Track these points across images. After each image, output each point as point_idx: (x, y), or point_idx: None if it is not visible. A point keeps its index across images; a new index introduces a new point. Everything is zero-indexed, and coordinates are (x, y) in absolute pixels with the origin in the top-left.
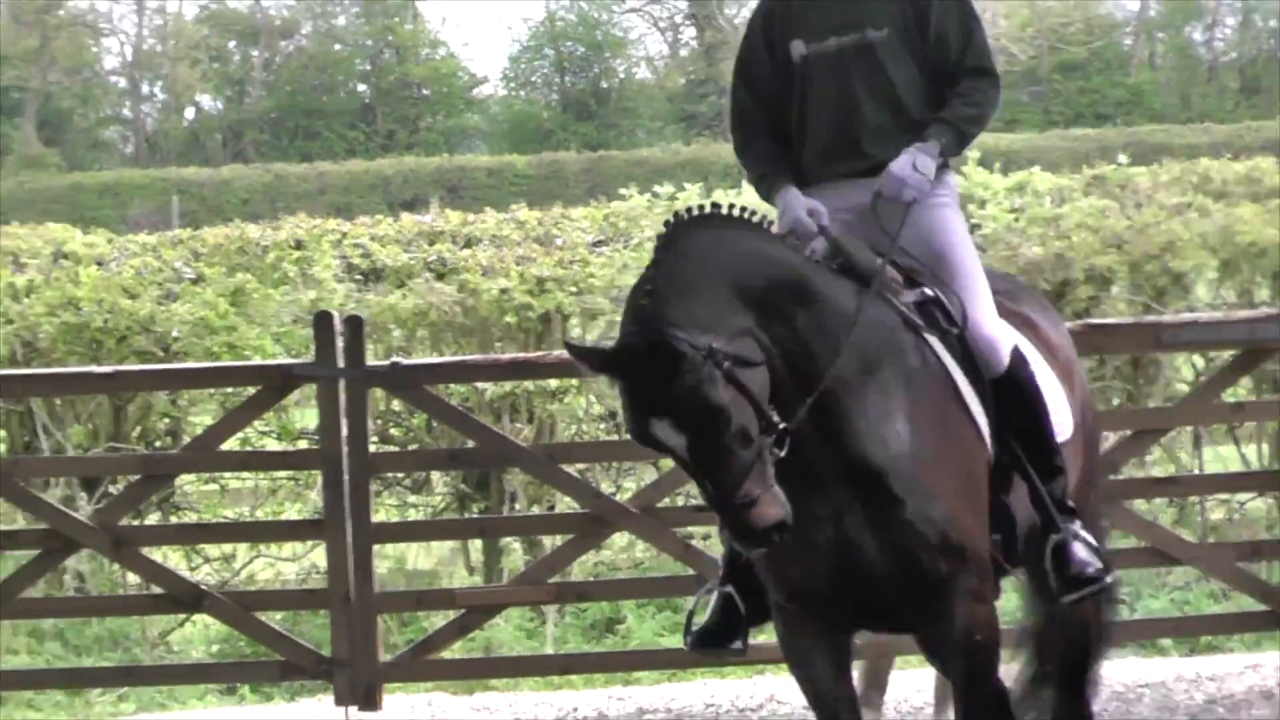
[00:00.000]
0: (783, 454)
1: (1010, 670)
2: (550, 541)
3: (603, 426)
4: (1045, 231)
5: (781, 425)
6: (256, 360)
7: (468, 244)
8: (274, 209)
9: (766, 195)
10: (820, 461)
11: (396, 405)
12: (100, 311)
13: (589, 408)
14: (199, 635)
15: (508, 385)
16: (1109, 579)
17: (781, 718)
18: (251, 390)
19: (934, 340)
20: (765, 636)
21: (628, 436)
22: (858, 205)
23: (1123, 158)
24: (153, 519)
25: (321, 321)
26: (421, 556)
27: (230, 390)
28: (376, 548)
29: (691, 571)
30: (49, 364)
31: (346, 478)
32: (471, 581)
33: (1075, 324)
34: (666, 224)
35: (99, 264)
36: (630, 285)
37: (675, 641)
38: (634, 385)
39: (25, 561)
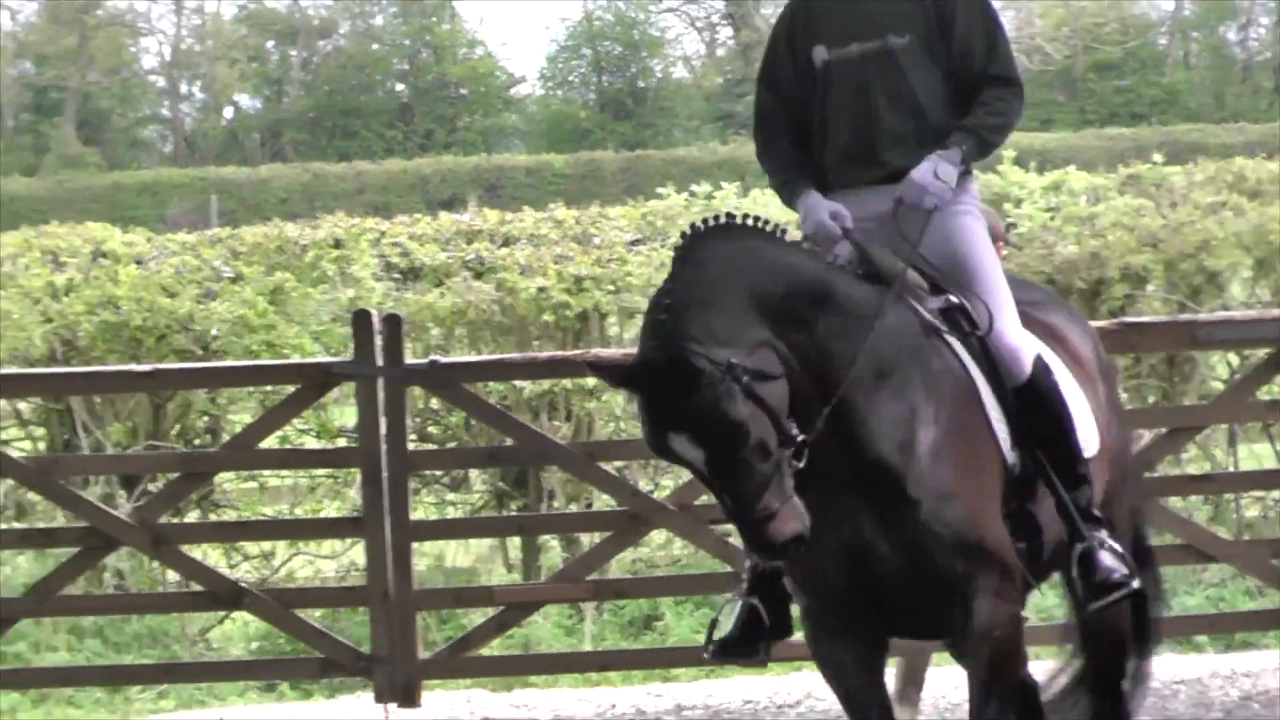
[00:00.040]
0: (801, 466)
1: (1047, 667)
2: (588, 539)
3: None
4: (1081, 230)
5: (800, 438)
6: (295, 359)
7: (506, 243)
8: (312, 208)
9: (789, 200)
10: (838, 463)
11: (435, 403)
12: (139, 310)
13: (627, 405)
14: (238, 632)
15: (546, 383)
16: (1135, 584)
17: (819, 714)
18: (290, 388)
19: (956, 345)
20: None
21: None
22: (878, 213)
23: (1157, 157)
24: (192, 517)
25: (360, 320)
26: (460, 554)
27: (269, 388)
28: (415, 545)
29: (729, 569)
30: (88, 362)
31: (385, 475)
32: (510, 579)
33: (1110, 322)
34: (683, 235)
35: (138, 263)
36: None
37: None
38: (653, 400)
39: (65, 559)
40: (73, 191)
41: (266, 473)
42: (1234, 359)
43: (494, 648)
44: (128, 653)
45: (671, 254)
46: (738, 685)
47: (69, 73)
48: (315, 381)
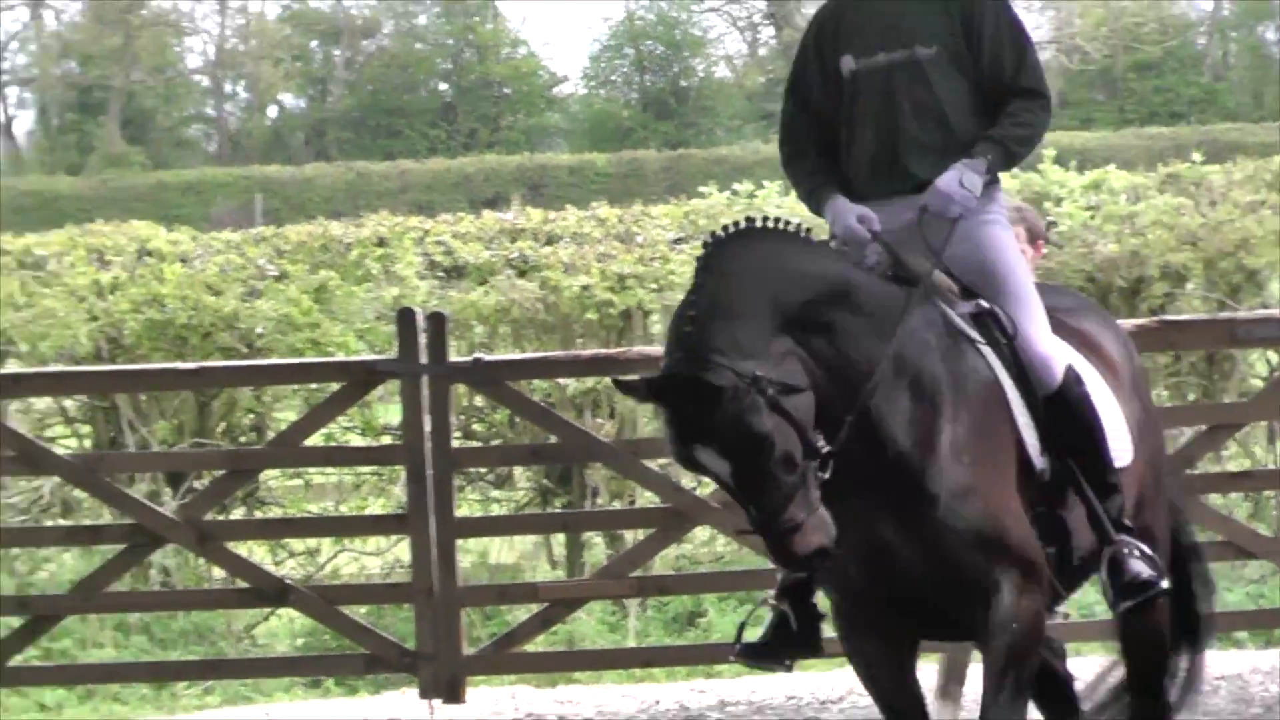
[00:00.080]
0: (827, 476)
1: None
2: (631, 536)
3: None
4: (1121, 229)
5: (826, 449)
6: (340, 356)
7: (549, 241)
8: (356, 207)
9: (816, 209)
10: (858, 462)
11: (479, 401)
12: (185, 308)
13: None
14: (283, 629)
15: (589, 381)
16: (1164, 584)
17: (862, 709)
18: (335, 386)
19: (985, 349)
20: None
21: None
22: (904, 223)
23: (1197, 156)
24: (237, 514)
25: (404, 318)
26: (504, 551)
27: (314, 386)
28: (459, 542)
29: (772, 565)
30: (134, 360)
31: (430, 473)
32: (554, 575)
33: (1150, 320)
34: (705, 244)
35: (183, 261)
36: None
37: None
38: (678, 414)
39: (111, 556)
40: (117, 190)
41: (311, 470)
42: (1273, 356)
43: (538, 644)
44: (173, 649)
45: (695, 262)
46: (781, 681)
47: (114, 72)
48: (360, 379)
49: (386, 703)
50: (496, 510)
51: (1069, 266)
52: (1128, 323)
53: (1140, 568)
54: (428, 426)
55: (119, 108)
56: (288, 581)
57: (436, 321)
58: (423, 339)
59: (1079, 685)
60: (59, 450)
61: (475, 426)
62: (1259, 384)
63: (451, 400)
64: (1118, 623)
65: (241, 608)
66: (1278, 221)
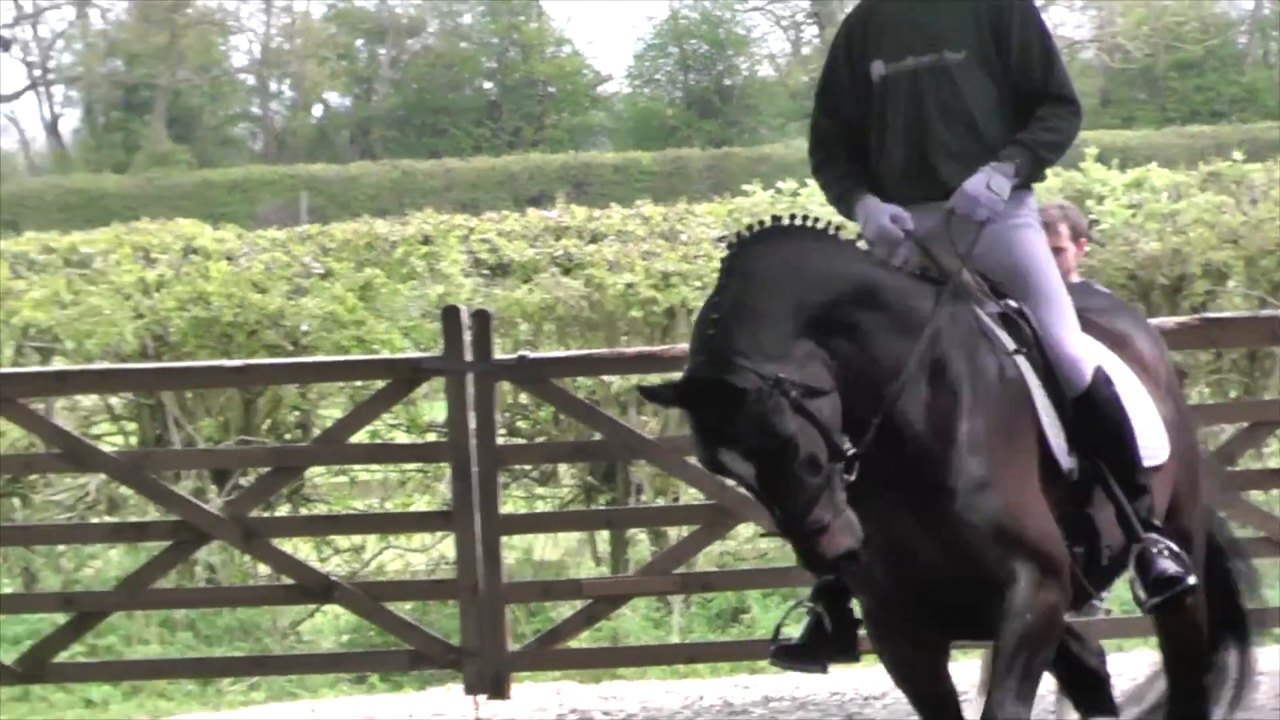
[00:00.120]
0: (852, 479)
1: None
2: (675, 532)
3: None
4: (1162, 227)
5: (851, 451)
6: (385, 354)
7: (593, 239)
8: (401, 205)
9: (847, 212)
10: (880, 460)
11: (524, 398)
12: (230, 306)
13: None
14: (329, 625)
15: (633, 378)
16: (1191, 581)
17: (905, 706)
18: (380, 383)
19: (1012, 348)
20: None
21: None
22: (933, 228)
23: (1238, 154)
24: (283, 511)
25: (449, 316)
26: (549, 547)
27: (359, 383)
28: (504, 539)
29: None
30: (179, 358)
31: (475, 470)
32: (598, 572)
33: (1192, 318)
34: (729, 245)
35: (228, 259)
36: None
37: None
38: (702, 417)
39: (157, 553)
40: (163, 189)
41: (356, 467)
42: None
43: (582, 640)
44: (219, 645)
45: (719, 264)
46: (824, 677)
47: (159, 70)
48: (405, 376)
49: (431, 699)
50: (541, 507)
51: (1111, 264)
52: (1169, 320)
53: (1167, 564)
54: (472, 424)
55: (164, 106)
56: (333, 578)
57: (481, 319)
58: (468, 336)
59: (1124, 683)
60: (105, 447)
61: (520, 424)
62: None
63: (496, 397)
64: (1154, 619)
65: (287, 604)
66: None
